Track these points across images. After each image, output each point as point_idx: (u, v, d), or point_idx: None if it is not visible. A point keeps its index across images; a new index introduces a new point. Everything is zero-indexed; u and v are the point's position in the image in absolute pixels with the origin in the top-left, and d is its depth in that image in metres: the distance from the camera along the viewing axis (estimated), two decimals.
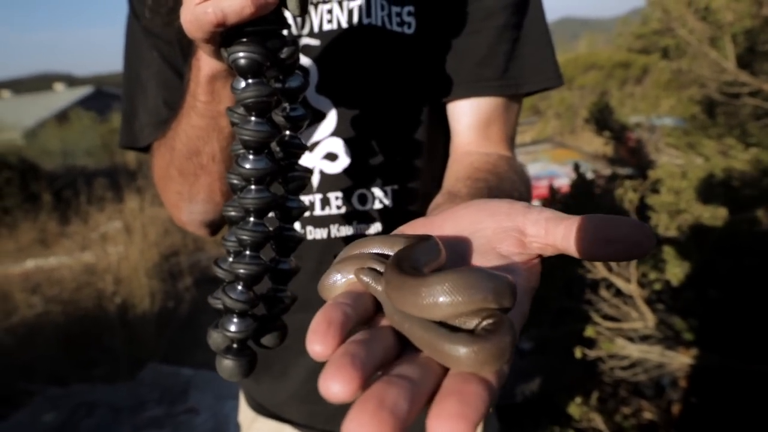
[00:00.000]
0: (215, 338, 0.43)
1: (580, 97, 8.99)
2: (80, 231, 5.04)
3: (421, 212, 0.66)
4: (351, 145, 0.62)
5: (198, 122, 0.51)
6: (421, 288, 0.23)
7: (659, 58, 1.91)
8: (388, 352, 0.23)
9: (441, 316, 0.23)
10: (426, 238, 0.29)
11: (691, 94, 2.88)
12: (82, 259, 3.96)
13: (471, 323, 0.23)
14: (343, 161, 0.62)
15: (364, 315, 0.26)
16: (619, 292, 1.52)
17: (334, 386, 0.20)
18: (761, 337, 1.47)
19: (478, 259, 0.31)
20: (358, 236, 0.65)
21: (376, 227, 0.65)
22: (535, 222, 0.30)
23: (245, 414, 0.84)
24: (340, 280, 0.30)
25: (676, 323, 1.57)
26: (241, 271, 0.39)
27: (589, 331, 1.41)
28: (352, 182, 0.63)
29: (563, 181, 3.41)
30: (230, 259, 0.41)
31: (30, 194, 5.89)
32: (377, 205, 0.64)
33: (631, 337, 1.58)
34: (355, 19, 0.60)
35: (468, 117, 0.62)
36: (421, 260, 0.27)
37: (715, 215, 1.42)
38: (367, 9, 0.60)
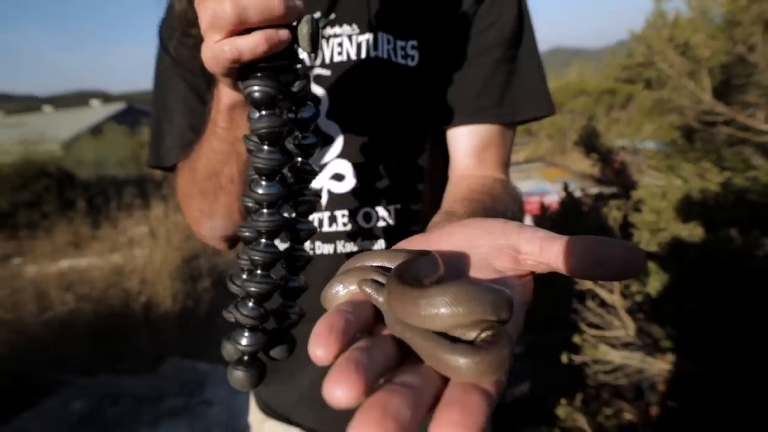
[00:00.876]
0: (228, 349, 0.43)
1: (570, 121, 8.99)
2: (110, 235, 5.05)
3: (421, 231, 0.66)
4: (357, 167, 0.61)
5: (218, 147, 0.51)
6: (422, 299, 0.22)
7: (642, 88, 1.91)
8: (389, 360, 0.22)
9: (441, 326, 0.22)
10: (426, 253, 0.28)
11: (671, 121, 2.88)
12: (111, 261, 3.94)
13: (470, 334, 0.22)
14: (350, 182, 0.61)
15: (365, 323, 0.25)
16: (603, 303, 1.51)
17: (338, 391, 0.19)
18: (733, 347, 1.47)
19: (475, 274, 0.30)
20: (362, 252, 0.64)
21: (380, 244, 0.65)
22: (529, 240, 0.29)
23: (255, 416, 0.83)
24: (342, 291, 0.29)
25: (655, 332, 1.56)
26: (253, 289, 0.39)
27: (576, 339, 1.40)
28: (358, 201, 0.63)
29: (553, 198, 3.41)
30: (243, 277, 0.41)
31: (66, 200, 5.90)
32: (381, 223, 0.64)
33: (614, 344, 1.57)
34: (363, 52, 0.60)
35: (466, 142, 0.62)
36: (422, 273, 0.26)
37: (692, 233, 1.41)
38: (374, 43, 0.60)
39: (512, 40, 0.61)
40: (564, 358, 1.39)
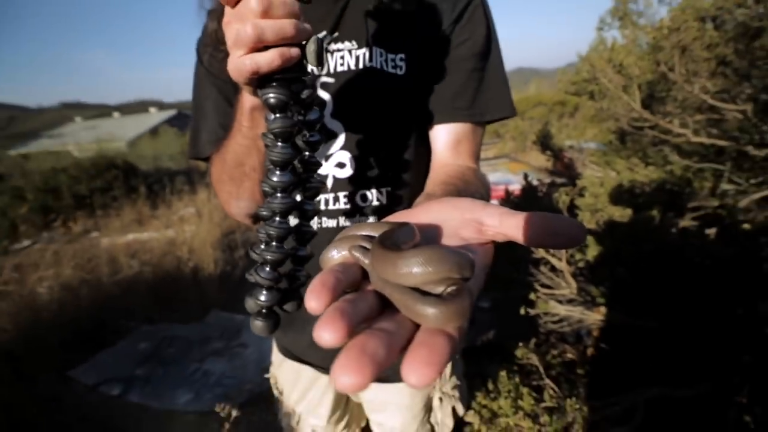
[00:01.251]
0: (250, 304, 0.43)
1: (529, 126, 8.90)
2: (165, 214, 4.98)
3: (396, 205, 0.64)
4: (355, 158, 0.61)
5: (242, 142, 0.50)
6: (399, 260, 0.22)
7: (587, 99, 1.87)
8: (371, 310, 0.22)
9: (414, 282, 0.22)
10: (405, 224, 0.28)
11: (608, 126, 2.84)
12: (166, 235, 3.90)
13: (438, 289, 0.22)
14: (350, 169, 0.61)
15: (354, 281, 0.25)
16: (553, 268, 1.51)
17: (325, 334, 0.19)
18: (652, 302, 1.47)
19: (445, 241, 0.29)
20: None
21: (374, 220, 0.63)
22: (491, 215, 0.29)
23: (276, 356, 0.84)
24: (336, 255, 0.29)
25: (592, 291, 1.56)
26: (269, 257, 0.39)
27: (531, 296, 1.40)
28: (356, 185, 0.62)
29: (516, 187, 3.38)
30: (261, 247, 0.41)
31: (130, 187, 5.81)
32: (374, 203, 0.63)
33: (560, 300, 1.57)
34: (361, 63, 0.59)
35: (444, 138, 0.61)
36: (400, 240, 0.26)
37: (622, 214, 1.40)
38: (369, 56, 0.59)
39: (482, 54, 0.60)
40: (522, 311, 1.39)
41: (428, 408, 0.79)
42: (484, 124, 0.63)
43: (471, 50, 0.59)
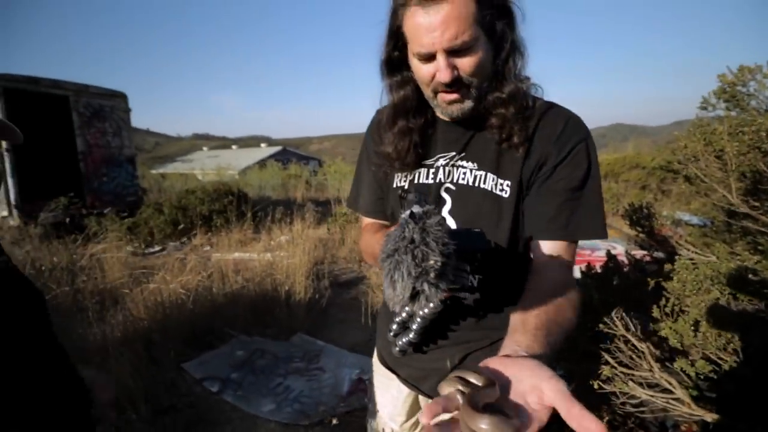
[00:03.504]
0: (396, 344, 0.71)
1: (624, 188, 8.30)
2: (265, 238, 5.57)
3: (498, 290, 0.78)
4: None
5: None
6: (477, 418, 0.37)
7: (683, 182, 1.82)
8: None
9: None
10: (490, 384, 0.41)
11: (717, 198, 2.64)
12: (265, 258, 4.30)
13: None
14: None
15: (454, 407, 0.39)
16: (634, 346, 1.46)
17: None
18: (756, 403, 1.34)
19: (513, 397, 0.42)
20: (461, 298, 0.78)
21: (469, 296, 0.78)
22: (552, 389, 0.40)
23: (375, 362, 1.00)
24: (446, 389, 0.43)
25: (677, 386, 1.46)
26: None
27: (605, 371, 1.37)
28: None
29: (602, 254, 3.22)
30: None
31: (240, 212, 6.66)
32: (468, 284, 0.78)
33: (641, 383, 1.50)
34: (477, 182, 0.75)
35: (541, 251, 0.71)
36: (483, 399, 0.39)
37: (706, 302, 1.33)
38: (484, 178, 0.75)
39: (578, 188, 0.70)
40: (595, 385, 1.37)
41: None
42: (575, 242, 0.72)
43: (569, 185, 0.70)
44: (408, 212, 0.50)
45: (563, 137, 0.71)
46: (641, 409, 1.60)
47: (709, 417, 1.49)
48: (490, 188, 0.74)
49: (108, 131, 7.47)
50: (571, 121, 0.72)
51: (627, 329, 1.41)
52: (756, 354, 1.27)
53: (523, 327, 0.55)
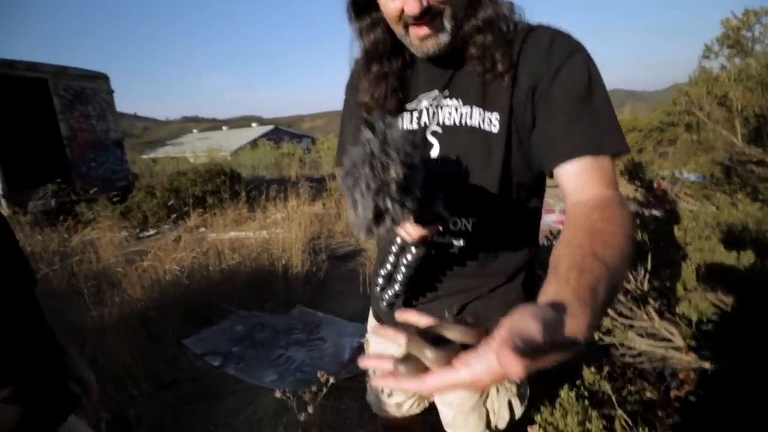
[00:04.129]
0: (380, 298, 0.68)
1: None
2: (260, 217, 5.52)
3: (490, 235, 0.73)
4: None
5: None
6: (421, 348, 0.38)
7: (683, 131, 1.77)
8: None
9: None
10: (468, 324, 0.41)
11: (713, 157, 2.61)
12: (261, 235, 4.30)
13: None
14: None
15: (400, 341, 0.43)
16: (633, 297, 1.46)
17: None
18: (754, 346, 1.34)
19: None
20: (449, 245, 0.74)
21: (461, 241, 0.74)
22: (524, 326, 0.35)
23: (371, 321, 0.99)
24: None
25: (677, 333, 1.46)
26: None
27: (606, 323, 1.37)
28: (450, 213, 0.73)
29: None
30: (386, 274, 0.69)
31: (234, 192, 6.59)
32: (462, 228, 0.73)
33: (641, 334, 1.50)
34: (463, 120, 0.69)
35: (567, 177, 0.60)
36: (446, 331, 0.41)
37: (714, 253, 1.31)
38: (470, 114, 0.69)
39: (584, 98, 0.60)
40: (596, 336, 1.36)
41: (485, 390, 0.86)
42: (604, 157, 0.60)
43: (572, 95, 0.61)
44: (368, 126, 0.45)
45: (553, 53, 0.63)
46: (640, 359, 1.61)
47: (708, 364, 1.50)
48: (477, 124, 0.69)
49: (92, 115, 7.25)
50: (559, 37, 0.65)
51: (627, 281, 1.39)
52: (757, 294, 1.26)
53: (554, 273, 0.45)
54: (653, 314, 1.44)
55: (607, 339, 1.39)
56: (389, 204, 0.42)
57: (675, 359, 1.56)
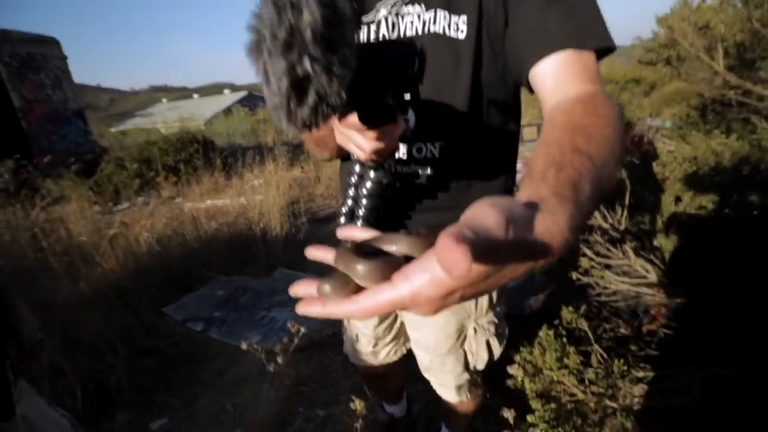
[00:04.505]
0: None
1: None
2: (238, 184, 5.34)
3: (460, 162, 0.67)
4: (416, 115, 0.61)
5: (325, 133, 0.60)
6: (352, 262, 0.30)
7: (663, 65, 1.70)
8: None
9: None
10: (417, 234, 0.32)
11: (691, 102, 2.58)
12: (239, 201, 4.17)
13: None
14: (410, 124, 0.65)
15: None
16: (610, 238, 1.45)
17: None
18: (718, 281, 1.37)
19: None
20: (414, 174, 0.68)
21: (427, 170, 0.67)
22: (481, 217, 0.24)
23: None
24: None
25: (652, 269, 1.48)
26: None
27: (583, 262, 1.36)
28: (413, 138, 0.65)
29: None
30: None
31: (208, 159, 6.33)
32: (428, 155, 0.66)
33: (617, 272, 1.51)
34: (426, 28, 0.61)
35: (543, 76, 0.52)
36: (383, 243, 0.34)
37: (691, 188, 1.30)
38: (433, 20, 0.60)
39: None
40: (574, 276, 1.36)
41: (462, 332, 0.83)
42: (587, 53, 0.51)
43: None
44: None
45: None
46: (614, 298, 1.63)
47: (678, 300, 1.53)
48: (441, 30, 0.60)
49: (45, 83, 6.69)
50: None
51: (605, 219, 1.38)
52: (728, 227, 1.26)
53: (528, 176, 0.37)
54: (629, 252, 1.45)
55: (585, 279, 1.39)
56: (308, 65, 0.31)
57: (648, 297, 1.59)
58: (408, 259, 0.29)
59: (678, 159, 1.37)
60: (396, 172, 0.68)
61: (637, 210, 1.61)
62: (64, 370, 1.62)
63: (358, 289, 0.29)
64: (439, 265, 0.22)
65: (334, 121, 0.44)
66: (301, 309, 0.32)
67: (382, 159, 0.52)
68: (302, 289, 0.34)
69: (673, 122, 3.31)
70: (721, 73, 1.28)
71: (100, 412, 1.62)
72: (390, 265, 0.28)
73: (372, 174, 0.53)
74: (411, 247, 0.31)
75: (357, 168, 0.57)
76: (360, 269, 0.28)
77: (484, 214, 0.24)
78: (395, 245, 0.32)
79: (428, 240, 0.31)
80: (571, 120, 0.42)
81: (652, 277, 1.45)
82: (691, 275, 1.46)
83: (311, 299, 0.32)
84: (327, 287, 0.30)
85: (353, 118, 0.41)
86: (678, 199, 1.29)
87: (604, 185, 0.37)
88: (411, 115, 0.65)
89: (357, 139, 0.47)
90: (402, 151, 0.67)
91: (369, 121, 0.41)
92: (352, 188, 0.60)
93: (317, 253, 0.36)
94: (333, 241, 0.43)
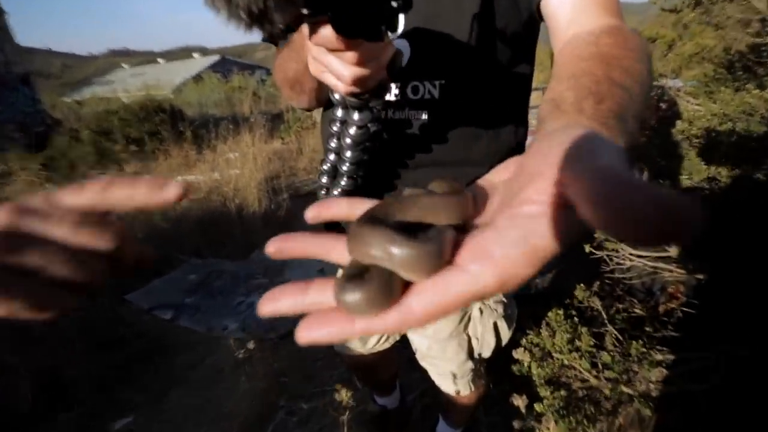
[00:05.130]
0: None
1: None
2: (211, 157, 5.21)
3: (464, 106, 0.61)
4: (412, 47, 0.58)
5: (299, 67, 0.53)
6: (365, 235, 0.20)
7: (691, 9, 1.62)
8: None
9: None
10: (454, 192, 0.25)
11: (713, 59, 2.51)
12: (212, 176, 4.10)
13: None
14: (404, 59, 0.59)
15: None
16: None
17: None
18: (745, 254, 1.34)
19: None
20: (407, 121, 0.62)
21: (424, 115, 0.61)
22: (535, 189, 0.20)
23: None
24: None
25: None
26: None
27: (598, 235, 1.33)
28: (408, 76, 0.59)
29: None
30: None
31: (178, 131, 6.15)
32: (426, 96, 0.60)
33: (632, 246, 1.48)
34: None
35: (556, 7, 0.50)
36: (403, 211, 0.23)
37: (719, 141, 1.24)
38: None
39: None
40: (587, 249, 1.32)
41: (466, 313, 0.78)
42: None
43: None
44: None
45: None
46: (629, 275, 1.61)
47: (700, 276, 1.51)
48: None
49: None
50: None
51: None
52: (762, 185, 1.22)
53: (557, 108, 0.32)
54: None
55: (598, 253, 1.35)
56: None
57: (665, 273, 1.56)
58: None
59: (707, 115, 1.31)
60: (386, 117, 0.61)
61: (655, 178, 1.57)
62: (11, 366, 1.56)
63: (398, 284, 0.19)
64: (532, 230, 0.18)
65: (305, 41, 0.39)
66: (308, 337, 0.20)
67: (367, 96, 0.44)
68: (287, 300, 0.23)
69: (697, 81, 3.26)
70: (764, 12, 1.20)
71: (53, 412, 1.57)
72: (443, 239, 0.19)
73: (356, 116, 0.45)
74: (447, 209, 0.22)
75: (339, 113, 0.49)
76: (399, 252, 0.18)
77: (573, 151, 0.19)
78: (423, 210, 0.22)
79: (462, 197, 0.23)
80: (600, 51, 0.38)
81: (672, 250, 1.41)
82: (715, 247, 1.43)
83: (322, 317, 0.20)
84: (358, 294, 0.19)
85: (326, 29, 0.33)
86: (705, 161, 1.24)
87: (639, 129, 0.34)
88: (404, 44, 0.58)
89: (333, 63, 0.38)
90: (394, 92, 0.60)
91: (345, 30, 0.33)
92: (335, 139, 0.52)
93: (325, 213, 0.28)
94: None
